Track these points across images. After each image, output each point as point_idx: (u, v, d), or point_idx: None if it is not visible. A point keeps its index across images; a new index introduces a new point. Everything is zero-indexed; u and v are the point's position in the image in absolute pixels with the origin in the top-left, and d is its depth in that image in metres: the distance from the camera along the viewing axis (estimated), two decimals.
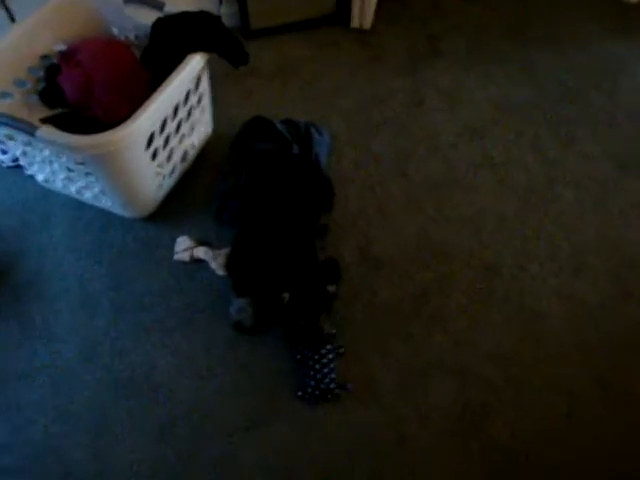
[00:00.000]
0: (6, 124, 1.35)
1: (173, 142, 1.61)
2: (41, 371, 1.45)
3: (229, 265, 1.56)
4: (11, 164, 1.81)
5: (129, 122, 1.34)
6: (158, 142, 1.52)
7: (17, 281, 1.60)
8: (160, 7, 1.62)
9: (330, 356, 1.42)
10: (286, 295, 1.44)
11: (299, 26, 2.24)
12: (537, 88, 2.10)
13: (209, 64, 1.65)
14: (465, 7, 2.41)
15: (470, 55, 2.21)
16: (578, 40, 2.28)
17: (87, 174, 1.50)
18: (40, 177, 1.69)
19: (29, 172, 1.72)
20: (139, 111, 1.36)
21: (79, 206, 1.72)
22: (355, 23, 2.24)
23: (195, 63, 1.50)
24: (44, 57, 1.68)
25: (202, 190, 1.78)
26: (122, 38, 1.76)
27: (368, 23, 2.23)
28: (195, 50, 1.51)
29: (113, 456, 1.33)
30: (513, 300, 1.56)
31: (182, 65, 1.47)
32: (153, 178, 1.60)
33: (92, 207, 1.72)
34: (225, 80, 2.06)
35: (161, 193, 1.70)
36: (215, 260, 1.58)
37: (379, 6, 2.22)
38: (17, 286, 1.59)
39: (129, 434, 1.35)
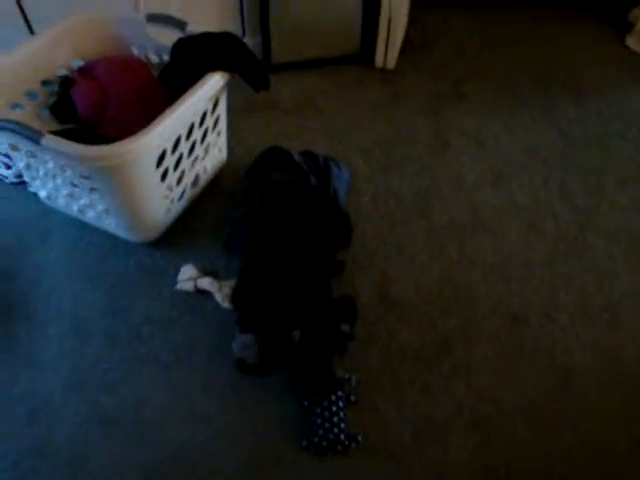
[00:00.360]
0: (12, 130, 1.27)
1: (185, 164, 1.53)
2: (20, 400, 1.30)
3: (234, 297, 1.44)
4: (14, 180, 1.73)
5: (140, 135, 1.26)
6: (169, 162, 1.43)
7: (5, 301, 1.48)
8: (183, 27, 1.58)
9: (340, 404, 1.27)
10: (297, 333, 1.31)
11: (322, 63, 2.21)
12: (562, 135, 2.03)
13: (227, 95, 1.60)
14: (489, 53, 2.39)
15: (495, 99, 2.16)
16: (601, 89, 2.25)
17: (91, 190, 1.41)
18: (42, 193, 1.60)
19: (32, 189, 1.63)
20: (151, 125, 1.28)
21: (81, 227, 1.63)
22: (379, 63, 2.21)
23: (215, 82, 1.43)
24: (60, 74, 1.63)
25: (212, 218, 1.68)
26: (142, 57, 1.71)
27: (392, 63, 2.20)
28: (216, 69, 1.45)
29: None
30: (542, 352, 1.43)
31: (201, 82, 1.41)
32: (161, 200, 1.51)
33: (94, 229, 1.62)
34: (243, 111, 2.02)
35: (169, 218, 1.60)
36: (220, 292, 1.47)
37: (403, 47, 2.20)
38: (5, 307, 1.47)
39: (109, 478, 1.20)
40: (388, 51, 2.16)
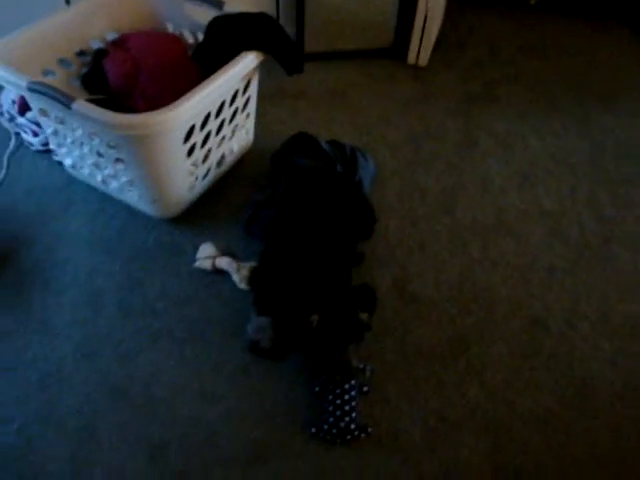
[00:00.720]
0: (44, 93, 1.27)
1: (212, 142, 1.52)
2: (30, 365, 1.30)
3: (253, 279, 1.42)
4: (40, 148, 1.73)
5: (170, 107, 1.25)
6: (197, 138, 1.42)
7: (22, 267, 1.48)
8: (220, 6, 1.57)
9: (353, 393, 1.25)
10: (315, 318, 1.29)
11: (353, 55, 2.20)
12: (594, 144, 1.99)
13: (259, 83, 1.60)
14: (523, 57, 2.36)
15: (526, 104, 2.13)
16: (636, 101, 2.21)
17: (117, 160, 1.40)
18: (68, 162, 1.60)
19: (57, 157, 1.63)
20: (183, 98, 1.27)
21: (103, 199, 1.63)
22: (411, 59, 2.19)
23: (249, 61, 1.42)
24: (94, 46, 1.63)
25: (234, 200, 1.67)
26: (177, 34, 1.71)
27: (425, 60, 2.18)
28: (250, 49, 1.44)
29: (94, 471, 1.15)
30: (561, 359, 1.39)
31: (235, 61, 1.40)
32: (185, 177, 1.50)
33: (116, 202, 1.62)
34: (272, 98, 2.01)
35: (191, 195, 1.59)
36: (238, 272, 1.45)
37: (437, 46, 2.18)
38: (21, 273, 1.47)
39: (116, 449, 1.18)
40: (422, 48, 2.14)
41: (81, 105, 1.23)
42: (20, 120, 1.71)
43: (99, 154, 1.43)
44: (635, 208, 1.77)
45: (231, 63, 1.39)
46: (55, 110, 1.35)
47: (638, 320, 1.48)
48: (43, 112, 1.42)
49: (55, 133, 1.49)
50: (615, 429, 1.28)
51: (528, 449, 1.24)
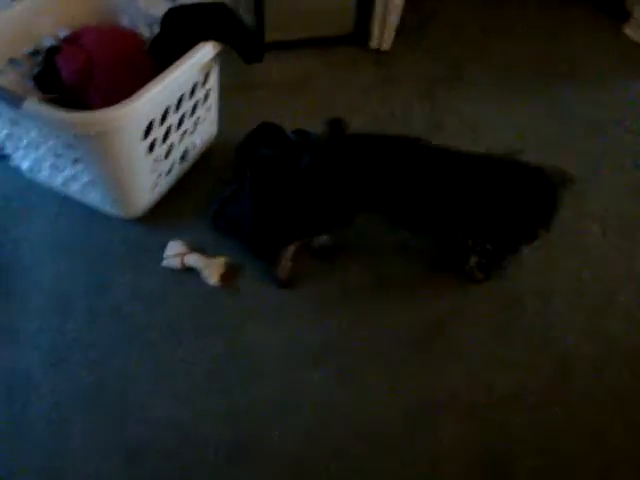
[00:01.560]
0: None
1: (173, 137, 1.48)
2: None
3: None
4: None
5: (126, 102, 1.21)
6: (157, 133, 1.38)
7: None
8: None
9: None
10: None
11: (315, 42, 2.16)
12: (560, 121, 2.01)
13: (219, 73, 1.57)
14: (486, 38, 2.37)
15: (491, 84, 2.14)
16: (600, 77, 2.24)
17: (75, 161, 1.36)
18: (25, 165, 1.54)
19: (15, 162, 1.58)
20: (138, 93, 1.24)
21: (64, 202, 1.58)
22: (374, 44, 2.17)
23: (205, 52, 1.39)
24: (47, 44, 1.58)
25: (201, 195, 1.63)
26: (133, 29, 1.66)
27: (387, 44, 2.16)
28: (206, 39, 1.40)
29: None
30: (536, 335, 1.40)
31: (191, 52, 1.36)
32: (148, 174, 1.46)
33: (78, 204, 1.57)
34: (234, 90, 1.96)
35: (156, 193, 1.55)
36: (207, 269, 1.43)
37: (400, 29, 2.15)
38: None
39: (91, 458, 1.15)
40: (384, 32, 2.11)
41: (32, 104, 1.18)
42: None
43: (57, 155, 1.38)
44: (601, 181, 1.80)
45: (187, 54, 1.35)
46: (6, 111, 1.30)
47: (611, 288, 1.51)
48: None
49: (10, 136, 1.44)
50: (593, 401, 1.29)
51: (509, 430, 1.24)
